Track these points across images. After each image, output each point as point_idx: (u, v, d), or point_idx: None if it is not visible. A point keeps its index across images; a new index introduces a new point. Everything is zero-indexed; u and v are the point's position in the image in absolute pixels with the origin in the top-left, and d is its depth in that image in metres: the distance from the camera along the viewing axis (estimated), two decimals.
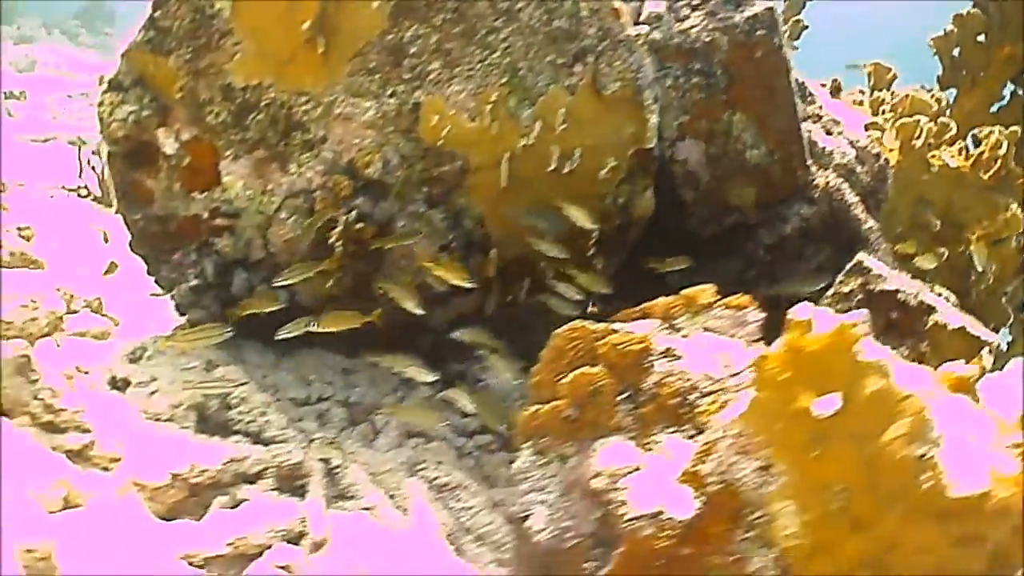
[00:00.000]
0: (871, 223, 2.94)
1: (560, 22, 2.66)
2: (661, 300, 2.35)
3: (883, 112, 3.70)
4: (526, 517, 2.17)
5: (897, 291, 2.58)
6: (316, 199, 2.79)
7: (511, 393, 2.94)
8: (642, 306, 2.47)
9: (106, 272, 3.57)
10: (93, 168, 5.02)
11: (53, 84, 8.74)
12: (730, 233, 3.06)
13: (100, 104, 2.70)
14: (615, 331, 2.26)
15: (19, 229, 3.59)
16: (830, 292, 2.77)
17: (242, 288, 2.93)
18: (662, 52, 2.87)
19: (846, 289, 2.76)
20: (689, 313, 2.31)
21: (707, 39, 2.83)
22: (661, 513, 1.74)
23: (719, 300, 2.27)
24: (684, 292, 2.34)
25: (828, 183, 2.97)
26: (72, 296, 3.03)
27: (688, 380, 2.07)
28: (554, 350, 2.35)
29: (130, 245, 3.01)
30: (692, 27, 2.86)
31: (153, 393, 2.60)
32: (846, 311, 2.91)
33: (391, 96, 2.70)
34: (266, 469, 2.36)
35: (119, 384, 2.64)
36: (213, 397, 2.61)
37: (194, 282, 2.87)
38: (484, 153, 2.77)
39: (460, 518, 2.41)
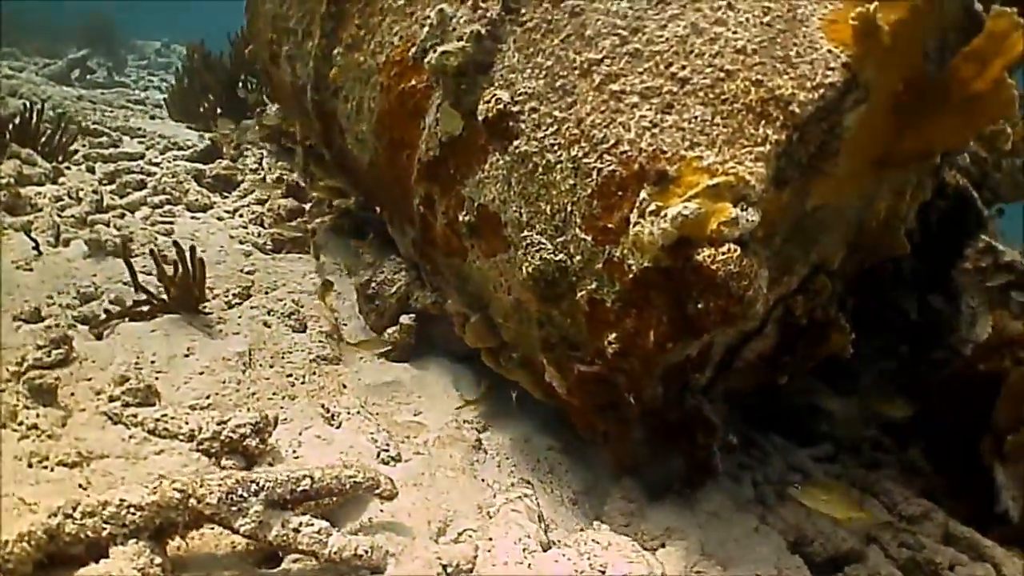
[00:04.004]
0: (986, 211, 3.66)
1: None
2: None
3: None
4: (1006, 509, 2.64)
5: (1013, 261, 3.49)
6: None
7: None
8: None
9: None
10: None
11: None
12: None
13: None
14: None
15: None
16: (968, 265, 3.52)
17: None
18: None
19: (983, 263, 3.56)
20: None
21: None
22: None
23: None
24: None
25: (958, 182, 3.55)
26: None
27: None
28: (1015, 388, 2.67)
29: None
30: None
31: None
32: (979, 284, 3.74)
33: None
34: None
35: None
36: None
37: None
38: None
39: None
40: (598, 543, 1.72)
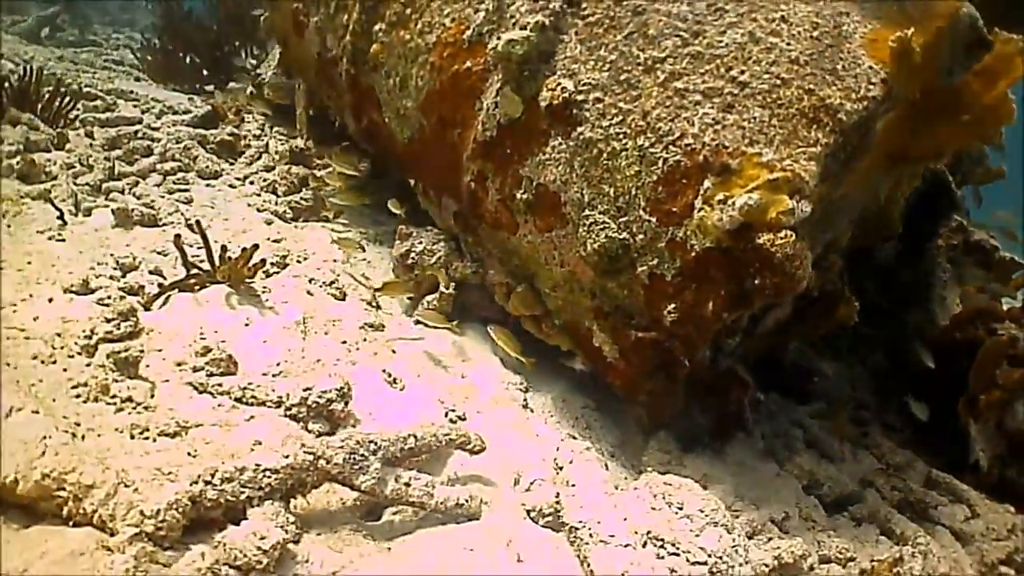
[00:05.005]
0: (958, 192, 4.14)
1: None
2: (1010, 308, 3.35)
3: None
4: (977, 459, 3.18)
5: (980, 242, 4.04)
6: None
7: None
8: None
9: None
10: None
11: None
12: None
13: None
14: None
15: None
16: (941, 242, 4.04)
17: None
18: None
19: (954, 241, 4.09)
20: None
21: None
22: None
23: None
24: None
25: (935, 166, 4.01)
26: None
27: None
28: (987, 355, 3.18)
29: None
30: None
31: None
32: (951, 259, 4.26)
33: None
34: None
35: None
36: None
37: None
38: None
39: None
40: (670, 484, 2.09)
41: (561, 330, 2.83)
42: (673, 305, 2.26)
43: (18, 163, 3.26)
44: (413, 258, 3.12)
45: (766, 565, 2.15)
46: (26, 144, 3.36)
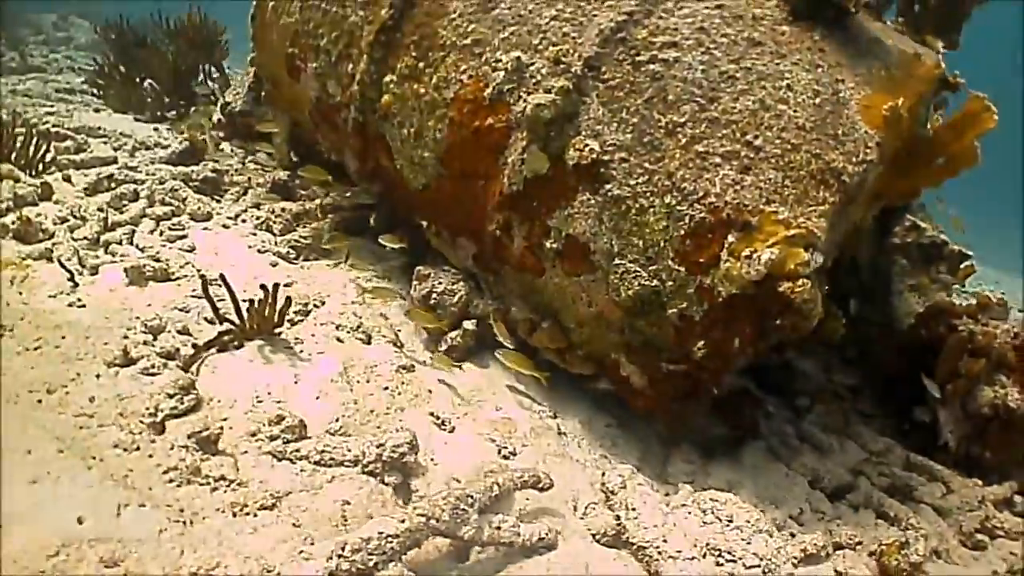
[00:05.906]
0: None
1: None
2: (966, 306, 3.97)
3: None
4: (946, 441, 3.80)
5: (932, 238, 4.69)
6: None
7: None
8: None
9: None
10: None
11: None
12: None
13: None
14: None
15: None
16: (897, 241, 4.67)
17: None
18: None
19: (908, 239, 4.71)
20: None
21: None
22: None
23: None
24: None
25: None
26: None
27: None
28: (951, 349, 3.78)
29: None
30: None
31: None
32: (906, 256, 4.87)
33: None
34: None
35: None
36: None
37: None
38: None
39: None
40: (716, 500, 2.53)
41: (584, 359, 3.22)
42: (702, 342, 2.68)
43: (13, 223, 3.32)
44: (435, 299, 3.42)
45: (795, 558, 2.65)
46: (15, 199, 3.41)
